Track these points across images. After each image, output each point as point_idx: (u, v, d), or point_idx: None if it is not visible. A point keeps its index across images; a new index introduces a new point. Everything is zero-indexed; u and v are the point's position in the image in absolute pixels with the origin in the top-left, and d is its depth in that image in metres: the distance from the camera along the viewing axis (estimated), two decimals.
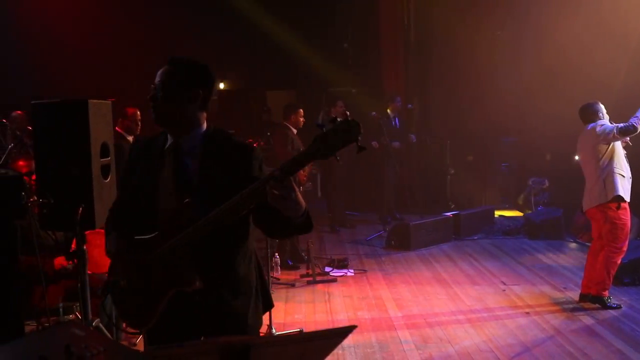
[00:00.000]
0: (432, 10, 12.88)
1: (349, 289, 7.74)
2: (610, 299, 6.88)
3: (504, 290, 7.59)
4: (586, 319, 6.53)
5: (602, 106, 6.97)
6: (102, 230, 3.34)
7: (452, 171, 12.92)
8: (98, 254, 4.85)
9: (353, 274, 8.35)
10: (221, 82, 18.07)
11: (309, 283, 7.95)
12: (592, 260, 6.97)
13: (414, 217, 10.67)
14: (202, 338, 2.85)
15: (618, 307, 6.84)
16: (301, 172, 8.06)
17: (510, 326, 6.35)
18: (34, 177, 4.87)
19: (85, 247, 4.59)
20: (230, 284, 2.95)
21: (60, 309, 5.54)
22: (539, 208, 11.57)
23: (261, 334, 5.86)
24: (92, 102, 4.45)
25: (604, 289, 6.86)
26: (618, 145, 6.81)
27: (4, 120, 8.62)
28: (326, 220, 11.27)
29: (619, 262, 6.89)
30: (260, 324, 3.17)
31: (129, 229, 2.95)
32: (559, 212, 10.56)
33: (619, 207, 6.72)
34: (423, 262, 8.95)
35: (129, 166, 3.11)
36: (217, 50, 14.28)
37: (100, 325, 4.83)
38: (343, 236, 10.72)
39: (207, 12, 13.83)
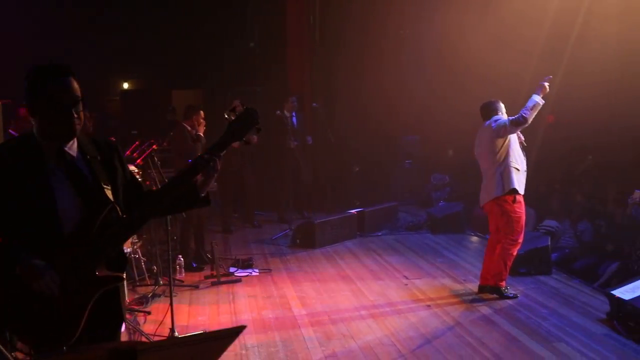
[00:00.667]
0: (337, 10, 12.99)
1: (253, 288, 7.71)
2: (507, 289, 7.12)
3: (406, 284, 7.74)
4: (484, 309, 6.74)
5: (502, 105, 7.17)
6: None
7: (357, 169, 13.06)
8: None
9: (258, 274, 8.32)
10: (125, 82, 17.71)
11: (213, 284, 7.86)
12: (490, 253, 7.19)
13: (320, 215, 10.74)
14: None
15: (515, 296, 7.09)
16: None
17: (412, 319, 6.48)
18: None
19: None
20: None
21: None
22: (440, 203, 11.85)
23: (164, 338, 5.81)
24: None
25: (501, 280, 7.10)
26: (514, 140, 7.01)
27: None
28: (234, 221, 11.24)
29: (515, 253, 7.14)
30: None
31: (24, 241, 2.83)
32: (459, 206, 10.86)
33: (514, 201, 6.94)
34: (328, 260, 9.01)
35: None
36: (121, 50, 13.99)
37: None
38: (248, 236, 10.66)
39: (113, 10, 13.54)
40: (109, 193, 2.95)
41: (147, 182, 7.86)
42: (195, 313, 6.87)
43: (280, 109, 11.26)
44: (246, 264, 8.56)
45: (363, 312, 6.74)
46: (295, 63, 13.40)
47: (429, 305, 6.91)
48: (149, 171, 7.79)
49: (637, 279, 6.45)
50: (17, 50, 11.47)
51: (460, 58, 11.49)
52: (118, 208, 2.95)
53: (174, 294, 6.32)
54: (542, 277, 7.87)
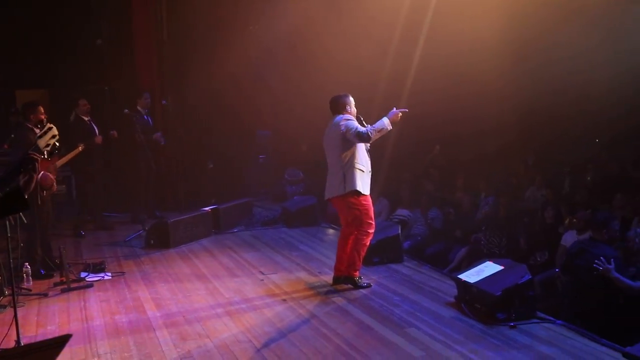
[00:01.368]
0: (185, 5, 12.75)
1: (105, 293, 7.41)
2: (360, 278, 7.25)
3: (262, 280, 7.71)
4: (339, 300, 6.83)
5: (351, 99, 7.22)
6: None
7: (211, 165, 12.92)
8: None
9: (110, 278, 8.01)
10: None
11: (63, 291, 7.47)
12: (343, 244, 7.28)
13: (175, 214, 10.50)
14: None
15: (368, 285, 7.23)
16: (50, 177, 7.61)
17: (268, 314, 6.46)
18: None
19: None
20: None
21: None
22: (294, 198, 11.94)
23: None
24: None
25: (355, 270, 7.21)
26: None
27: None
28: (86, 224, 10.83)
29: (368, 243, 7.26)
30: None
31: None
32: (313, 200, 10.98)
33: (359, 195, 7.03)
34: (183, 259, 8.83)
35: None
36: None
37: None
38: (101, 239, 10.26)
39: None
40: None
41: None
42: (45, 322, 6.50)
43: (133, 107, 10.94)
44: (98, 268, 8.23)
45: (219, 310, 6.64)
46: (144, 60, 13.01)
47: (284, 300, 6.91)
48: None
49: (482, 262, 6.76)
50: None
51: (314, 54, 11.62)
52: None
53: (21, 304, 6.09)
54: (394, 265, 8.08)
